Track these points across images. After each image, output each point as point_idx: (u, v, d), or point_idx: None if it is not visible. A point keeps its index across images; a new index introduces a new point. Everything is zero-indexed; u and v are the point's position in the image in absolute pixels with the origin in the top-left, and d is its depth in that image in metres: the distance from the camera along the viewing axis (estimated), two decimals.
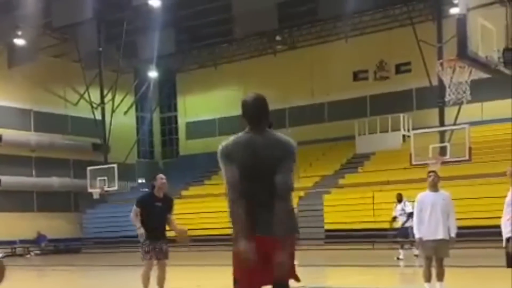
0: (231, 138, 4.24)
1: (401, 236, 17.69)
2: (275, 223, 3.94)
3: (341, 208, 26.14)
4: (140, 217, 9.07)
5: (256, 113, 4.25)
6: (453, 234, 8.77)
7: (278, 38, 34.46)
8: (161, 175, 9.21)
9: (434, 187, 8.91)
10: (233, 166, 4.11)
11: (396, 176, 26.08)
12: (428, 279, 9.00)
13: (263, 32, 33.05)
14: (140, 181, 37.28)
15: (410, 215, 17.12)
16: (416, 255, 17.20)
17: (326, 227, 26.73)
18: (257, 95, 4.32)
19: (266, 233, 3.98)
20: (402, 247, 17.65)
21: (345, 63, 32.41)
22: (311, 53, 34.18)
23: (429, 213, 8.76)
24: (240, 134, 4.23)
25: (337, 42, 33.10)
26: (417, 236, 8.96)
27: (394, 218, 18.30)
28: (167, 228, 9.27)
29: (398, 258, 17.40)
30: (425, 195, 8.95)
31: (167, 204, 9.16)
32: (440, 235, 8.72)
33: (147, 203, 9.07)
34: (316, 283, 13.43)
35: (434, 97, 25.92)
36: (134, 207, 9.09)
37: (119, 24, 31.02)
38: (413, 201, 9.62)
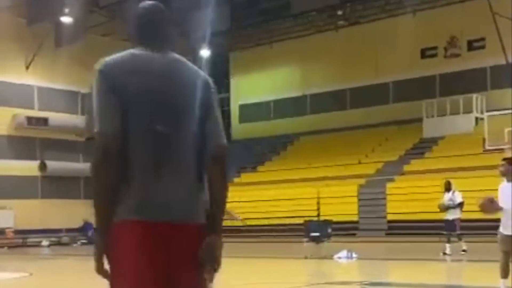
0: (114, 56, 2.87)
1: (448, 229, 17.07)
2: (201, 201, 2.79)
3: (406, 197, 25.90)
4: None
5: (153, 22, 2.93)
6: None
7: (339, 13, 34.20)
8: None
9: (508, 177, 8.69)
10: (115, 105, 2.69)
11: (468, 162, 25.65)
12: (504, 275, 8.82)
13: (323, 7, 32.83)
14: None
15: (459, 205, 16.81)
16: (464, 251, 16.83)
17: (389, 217, 26.57)
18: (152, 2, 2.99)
19: (180, 216, 2.73)
20: (449, 241, 17.05)
21: (412, 39, 31.89)
22: (375, 29, 33.80)
23: (505, 206, 8.57)
24: (127, 51, 2.89)
25: (404, 16, 32.62)
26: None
27: (447, 208, 17.29)
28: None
29: (444, 253, 16.97)
30: (503, 186, 8.77)
31: None
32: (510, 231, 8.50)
33: None
34: (377, 278, 13.46)
35: (510, 75, 25.28)
36: None
37: None
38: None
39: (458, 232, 17.06)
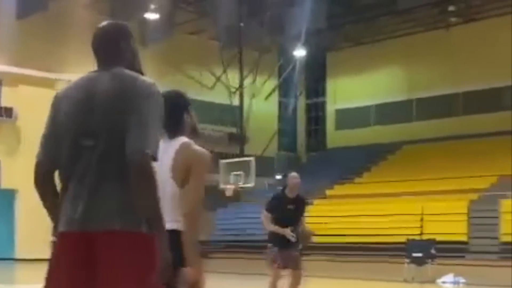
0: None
1: None
2: (115, 207, 3.05)
3: None
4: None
5: (105, 40, 3.33)
6: None
7: (452, 8, 33.54)
8: (294, 174, 9.42)
9: None
10: (53, 121, 3.24)
11: None
12: None
13: (434, 2, 32.24)
14: (278, 177, 37.38)
15: None
16: None
17: (503, 239, 25.65)
18: (116, 21, 3.52)
19: (96, 224, 3.05)
20: None
21: None
22: (490, 27, 32.86)
23: None
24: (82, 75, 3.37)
25: None
26: None
27: None
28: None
29: None
30: None
31: (300, 206, 9.32)
32: None
33: (278, 206, 9.26)
34: None
35: None
36: (265, 212, 9.27)
37: None
38: None
39: None
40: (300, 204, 9.39)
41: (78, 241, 3.03)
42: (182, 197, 4.11)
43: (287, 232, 9.07)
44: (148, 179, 3.01)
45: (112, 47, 3.32)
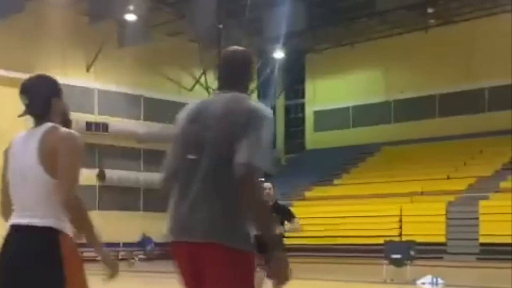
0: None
1: None
2: (222, 222, 3.37)
3: (502, 218, 25.19)
4: None
5: (230, 67, 3.72)
6: None
7: (430, 10, 33.70)
8: (266, 184, 9.29)
9: None
10: (175, 139, 3.73)
11: None
12: None
13: (412, 4, 32.37)
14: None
15: None
16: None
17: (481, 240, 25.89)
18: (241, 48, 3.87)
19: (199, 236, 3.41)
20: None
21: (509, 40, 31.09)
22: (471, 29, 33.11)
23: None
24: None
25: (500, 15, 31.97)
26: None
27: None
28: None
29: None
30: None
31: (279, 212, 9.26)
32: None
33: None
34: None
35: None
36: None
37: None
38: None
39: None
40: (278, 211, 9.31)
41: (186, 252, 3.49)
42: (55, 188, 3.71)
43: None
44: (251, 193, 3.30)
45: (239, 74, 3.70)
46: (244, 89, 3.67)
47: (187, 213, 3.47)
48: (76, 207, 3.70)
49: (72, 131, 3.87)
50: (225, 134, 3.40)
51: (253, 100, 3.63)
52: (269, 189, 9.31)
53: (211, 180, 3.41)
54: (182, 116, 3.66)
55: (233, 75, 3.68)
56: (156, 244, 33.38)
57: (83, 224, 3.77)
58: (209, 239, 3.36)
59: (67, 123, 4.33)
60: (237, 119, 3.42)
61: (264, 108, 3.54)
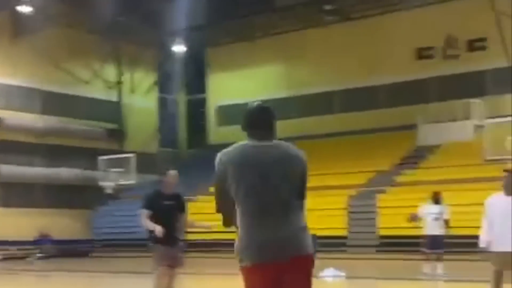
0: (233, 147, 4.37)
1: (432, 246, 16.41)
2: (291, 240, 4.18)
3: (398, 211, 25.83)
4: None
5: (265, 119, 4.46)
6: None
7: (328, 7, 34.26)
8: (172, 171, 9.36)
9: (509, 190, 8.75)
10: (229, 174, 4.27)
11: (466, 173, 25.75)
12: None
13: (311, 1, 32.86)
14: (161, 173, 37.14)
15: (446, 222, 16.53)
16: (425, 273, 16.56)
17: (380, 232, 26.59)
18: (263, 104, 4.56)
19: (278, 257, 4.13)
20: (435, 260, 16.47)
21: (407, 38, 32.11)
22: (367, 26, 33.91)
23: (499, 221, 8.65)
24: (243, 143, 4.38)
25: (398, 13, 32.82)
26: (481, 245, 8.88)
27: (414, 217, 16.61)
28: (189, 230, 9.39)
29: (426, 274, 16.65)
30: (495, 199, 8.84)
31: (178, 203, 9.30)
32: (509, 247, 8.60)
33: (154, 202, 9.19)
34: None
35: None
36: (142, 210, 9.17)
37: None
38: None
39: (442, 250, 16.47)
40: (177, 200, 9.36)
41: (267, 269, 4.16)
42: None
43: (158, 229, 9.01)
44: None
45: (274, 124, 4.50)
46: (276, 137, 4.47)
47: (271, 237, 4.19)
48: None
49: None
50: (283, 175, 4.25)
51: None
52: (172, 176, 9.37)
53: (285, 209, 4.23)
54: (234, 160, 4.27)
55: (272, 126, 4.46)
56: (54, 242, 32.66)
57: None
58: (296, 254, 4.20)
59: None
60: (293, 164, 4.34)
61: (303, 153, 4.50)
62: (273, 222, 4.13)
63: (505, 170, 8.97)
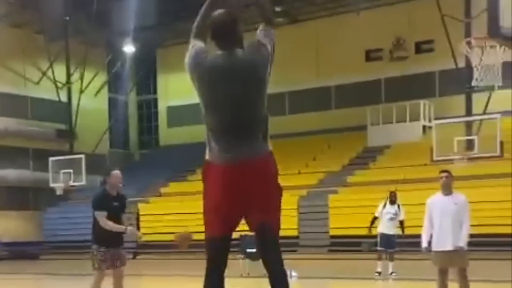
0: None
1: (385, 244, 16.68)
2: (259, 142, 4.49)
3: (349, 211, 26.20)
4: (92, 220, 9.19)
5: (227, 30, 4.49)
6: (462, 244, 8.87)
7: (277, 9, 34.35)
8: (116, 171, 9.36)
9: (446, 190, 9.01)
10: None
11: (415, 173, 26.17)
12: None
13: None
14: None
15: (401, 223, 16.85)
16: (393, 273, 16.93)
17: (332, 232, 26.83)
18: (227, 10, 4.54)
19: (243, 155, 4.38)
20: (388, 259, 16.76)
21: (356, 40, 32.40)
22: (316, 28, 34.18)
23: (438, 220, 8.90)
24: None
25: (347, 15, 33.09)
26: (423, 245, 9.10)
27: (375, 219, 17.01)
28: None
29: (380, 273, 16.82)
30: (435, 199, 9.09)
31: (122, 204, 9.35)
32: (450, 246, 8.84)
33: (104, 204, 9.19)
34: None
35: (460, 81, 25.99)
36: (99, 212, 9.13)
37: None
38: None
39: (394, 250, 16.78)
40: (122, 201, 9.41)
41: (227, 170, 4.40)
42: None
43: (134, 230, 9.05)
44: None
45: (238, 33, 4.59)
46: (242, 45, 4.53)
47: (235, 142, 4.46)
48: None
49: None
50: (247, 79, 4.48)
51: None
52: (118, 176, 9.36)
53: (249, 115, 4.48)
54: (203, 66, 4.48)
55: (235, 34, 4.51)
56: (3, 244, 32.18)
57: None
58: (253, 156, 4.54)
59: None
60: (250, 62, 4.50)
61: None
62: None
63: (442, 171, 9.22)
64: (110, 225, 9.09)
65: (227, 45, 4.44)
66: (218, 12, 4.48)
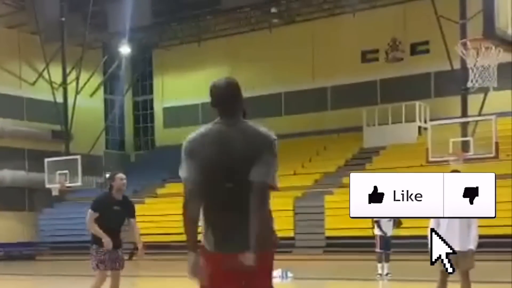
0: (199, 130, 4.33)
1: (384, 246, 16.57)
2: (250, 235, 4.13)
3: (345, 212, 26.08)
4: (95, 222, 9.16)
5: (228, 99, 4.33)
6: (471, 246, 8.86)
7: (273, 10, 34.43)
8: (120, 175, 9.30)
9: None
10: (194, 165, 4.29)
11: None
12: None
13: (256, 3, 32.97)
14: (108, 176, 36.93)
15: (399, 223, 16.83)
16: (388, 274, 16.86)
17: (327, 233, 26.84)
18: (229, 79, 4.43)
19: (238, 249, 4.14)
20: (384, 260, 16.67)
21: (352, 41, 32.43)
22: (313, 29, 34.20)
23: (446, 220, 8.84)
24: (209, 125, 4.32)
25: (343, 16, 33.16)
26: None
27: (376, 223, 16.60)
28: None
29: (381, 275, 16.92)
30: None
31: (127, 208, 9.28)
32: (457, 247, 8.80)
33: (104, 206, 9.16)
34: None
35: (456, 83, 26.02)
36: (90, 211, 9.14)
37: None
38: None
39: (390, 251, 16.75)
40: (126, 205, 9.32)
41: (234, 259, 4.12)
42: None
43: (106, 238, 8.97)
44: (258, 208, 4.20)
45: (238, 104, 4.39)
46: (243, 115, 4.37)
47: (235, 230, 4.30)
48: None
49: None
50: (248, 160, 4.16)
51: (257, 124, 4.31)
52: (122, 179, 9.31)
53: (244, 199, 4.21)
54: (202, 145, 4.24)
55: (236, 104, 4.35)
56: None
57: None
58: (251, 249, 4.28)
59: None
60: (254, 145, 4.23)
61: (269, 132, 4.36)
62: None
63: (452, 171, 9.21)
64: (91, 226, 9.08)
65: (229, 113, 4.38)
66: (219, 84, 4.40)
